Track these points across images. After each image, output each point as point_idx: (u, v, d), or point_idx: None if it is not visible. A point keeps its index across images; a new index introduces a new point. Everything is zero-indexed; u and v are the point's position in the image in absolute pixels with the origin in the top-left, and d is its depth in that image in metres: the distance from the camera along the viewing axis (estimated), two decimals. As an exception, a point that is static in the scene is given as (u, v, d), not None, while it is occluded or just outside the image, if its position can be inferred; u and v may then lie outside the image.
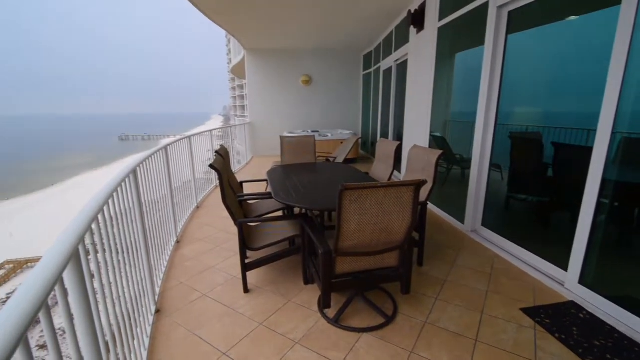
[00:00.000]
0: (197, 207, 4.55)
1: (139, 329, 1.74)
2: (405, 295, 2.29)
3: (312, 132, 8.68)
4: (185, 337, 1.95)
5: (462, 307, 2.21)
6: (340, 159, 5.10)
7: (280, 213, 3.27)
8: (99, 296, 1.13)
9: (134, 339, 1.61)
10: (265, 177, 3.41)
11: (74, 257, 0.82)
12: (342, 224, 1.76)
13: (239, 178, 3.65)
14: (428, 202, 2.74)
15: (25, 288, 0.60)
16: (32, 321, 0.53)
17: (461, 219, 3.68)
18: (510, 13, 2.89)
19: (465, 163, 3.74)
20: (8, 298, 16.52)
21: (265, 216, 2.91)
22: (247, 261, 2.42)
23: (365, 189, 1.67)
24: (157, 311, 2.18)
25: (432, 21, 4.23)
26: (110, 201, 1.39)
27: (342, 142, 7.44)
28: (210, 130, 5.48)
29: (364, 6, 5.44)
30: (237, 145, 8.70)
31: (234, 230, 3.57)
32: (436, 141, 4.38)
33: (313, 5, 5.44)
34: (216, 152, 2.77)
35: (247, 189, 3.59)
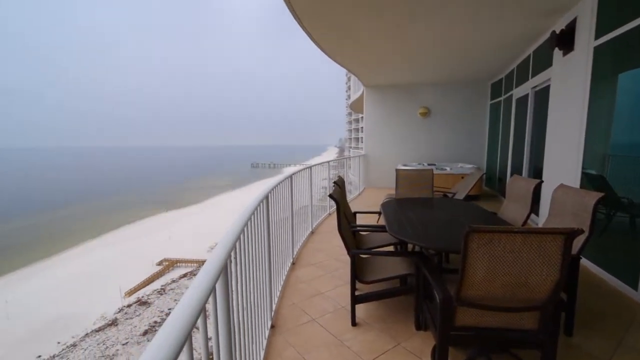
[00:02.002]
0: (312, 233, 4.82)
1: (256, 340, 1.90)
2: (547, 370, 1.84)
3: (429, 165, 8.29)
4: (295, 359, 2.02)
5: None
6: (460, 195, 4.67)
7: (392, 248, 3.17)
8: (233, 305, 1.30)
9: (252, 343, 1.75)
10: (378, 209, 3.38)
11: (223, 270, 0.97)
12: (467, 269, 1.57)
13: (352, 208, 3.73)
14: (581, 257, 2.20)
15: (189, 296, 0.73)
16: (195, 322, 0.64)
17: (632, 283, 2.81)
18: None
19: (637, 209, 2.91)
20: (162, 289, 20.53)
21: (378, 249, 2.86)
22: (357, 293, 2.40)
23: (497, 233, 1.46)
24: (272, 327, 2.35)
25: (585, 41, 3.60)
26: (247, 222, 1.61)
27: (462, 177, 6.84)
28: (329, 161, 5.84)
29: (497, 36, 5.08)
30: (351, 176, 9.00)
31: (345, 258, 3.63)
32: (591, 180, 3.56)
33: (440, 44, 5.40)
34: (334, 182, 2.92)
35: (360, 219, 3.63)
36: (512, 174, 5.96)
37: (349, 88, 71.36)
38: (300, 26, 4.68)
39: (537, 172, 5.46)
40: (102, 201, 52.33)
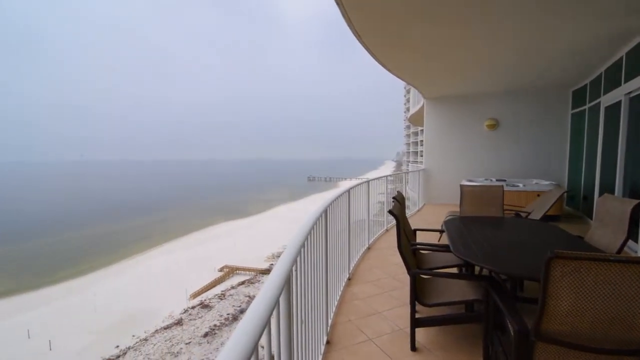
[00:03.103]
0: (368, 248, 4.72)
1: (312, 355, 1.89)
2: None
3: (498, 181, 7.64)
4: (351, 379, 1.96)
5: None
6: (536, 215, 4.20)
7: (456, 270, 2.96)
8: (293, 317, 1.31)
9: (309, 358, 1.74)
10: (438, 226, 3.20)
11: (286, 284, 0.99)
12: (548, 300, 1.39)
13: (411, 225, 3.57)
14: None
15: (254, 309, 0.75)
16: (260, 337, 0.66)
17: None
18: None
19: None
20: (223, 294, 21.74)
21: (441, 270, 2.69)
22: (417, 316, 2.26)
23: (588, 261, 1.27)
24: (328, 342, 2.32)
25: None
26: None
27: (538, 195, 6.16)
28: (386, 176, 5.72)
29: (579, 37, 4.58)
30: (409, 191, 8.69)
31: (404, 278, 3.47)
32: None
33: (510, 49, 5.03)
34: (394, 198, 2.84)
35: (420, 237, 3.46)
36: (601, 193, 5.22)
37: (407, 101, 70.03)
38: (360, 42, 4.74)
39: (634, 190, 4.71)
40: (172, 210, 57.88)
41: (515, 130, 8.40)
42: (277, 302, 0.84)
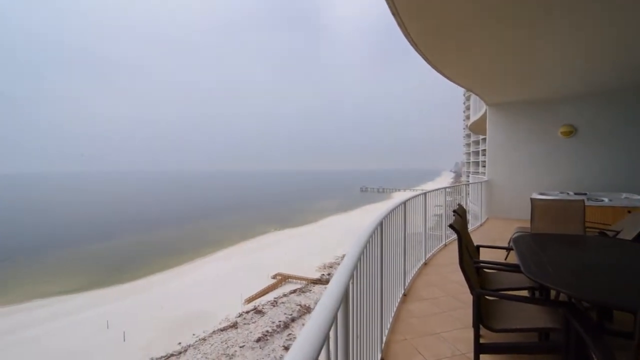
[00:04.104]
0: (425, 264, 4.49)
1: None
2: None
3: (576, 194, 6.80)
4: (408, 402, 1.85)
5: None
6: (628, 235, 3.61)
7: (526, 293, 2.67)
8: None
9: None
10: (504, 243, 2.92)
11: (344, 299, 0.97)
12: (652, 338, 1.17)
13: (473, 240, 3.32)
14: None
15: (312, 325, 0.74)
16: (318, 356, 0.65)
17: None
18: None
19: None
20: (275, 301, 22.31)
21: (509, 292, 2.44)
22: (481, 341, 2.07)
23: None
24: (382, 360, 2.22)
25: None
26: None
27: (629, 211, 5.34)
28: (445, 188, 5.43)
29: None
30: (470, 204, 8.12)
31: (466, 298, 3.23)
32: None
33: (589, 47, 4.52)
34: (454, 211, 2.68)
35: (483, 254, 3.20)
36: None
37: (467, 108, 66.38)
38: (417, 51, 4.64)
39: None
40: (229, 218, 61.44)
41: (596, 137, 7.42)
42: (335, 317, 0.82)
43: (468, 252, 2.58)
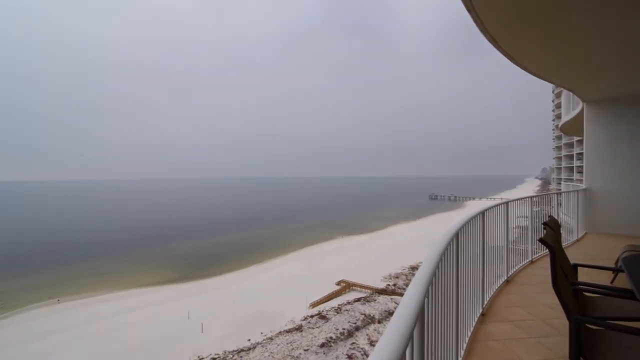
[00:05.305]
0: (507, 282, 4.01)
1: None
2: None
3: None
4: None
5: None
6: None
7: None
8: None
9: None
10: (608, 262, 2.45)
11: (420, 316, 0.89)
12: None
13: (569, 258, 2.86)
14: None
15: (385, 343, 0.69)
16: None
17: None
18: None
19: None
20: (339, 308, 22.26)
21: (620, 323, 2.03)
22: (583, 379, 1.75)
23: None
24: (458, 385, 2.03)
25: None
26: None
27: None
28: (531, 197, 4.82)
29: None
30: (563, 216, 7.07)
31: (560, 324, 2.80)
32: None
33: None
34: (545, 224, 2.34)
35: (582, 275, 2.73)
36: None
37: (557, 107, 58.62)
38: (497, 47, 4.25)
39: None
40: (297, 223, 63.59)
41: None
42: (411, 336, 0.76)
43: (563, 272, 2.23)
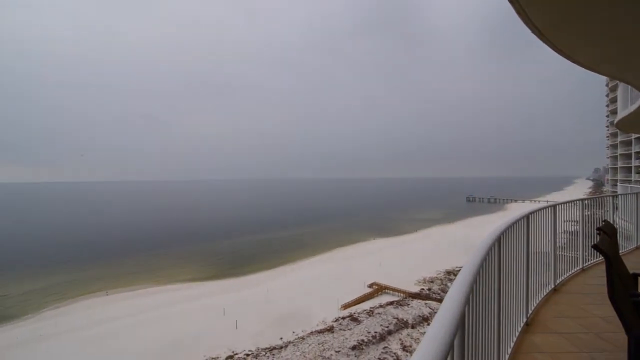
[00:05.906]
0: (554, 290, 3.74)
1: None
2: None
3: None
4: None
5: None
6: None
7: None
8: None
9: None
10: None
11: (460, 325, 0.85)
12: None
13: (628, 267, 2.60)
14: None
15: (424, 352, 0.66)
16: None
17: None
18: None
19: None
20: (371, 310, 21.95)
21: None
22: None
23: None
24: (499, 398, 1.92)
25: None
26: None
27: None
28: (582, 199, 4.46)
29: None
30: (619, 221, 6.45)
31: (615, 339, 2.57)
32: None
33: None
34: (599, 229, 2.15)
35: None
36: None
37: (611, 101, 53.68)
38: (543, 40, 3.96)
39: None
40: (329, 224, 63.76)
41: None
42: (452, 345, 0.72)
43: (621, 282, 2.03)
